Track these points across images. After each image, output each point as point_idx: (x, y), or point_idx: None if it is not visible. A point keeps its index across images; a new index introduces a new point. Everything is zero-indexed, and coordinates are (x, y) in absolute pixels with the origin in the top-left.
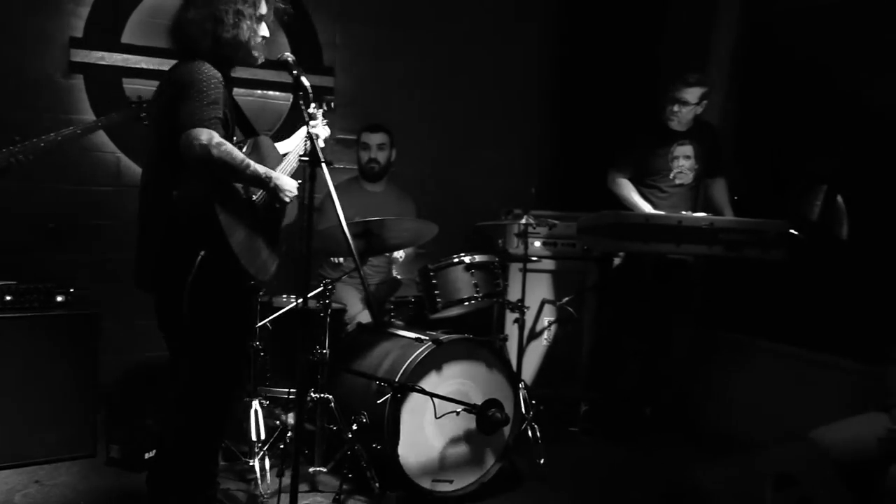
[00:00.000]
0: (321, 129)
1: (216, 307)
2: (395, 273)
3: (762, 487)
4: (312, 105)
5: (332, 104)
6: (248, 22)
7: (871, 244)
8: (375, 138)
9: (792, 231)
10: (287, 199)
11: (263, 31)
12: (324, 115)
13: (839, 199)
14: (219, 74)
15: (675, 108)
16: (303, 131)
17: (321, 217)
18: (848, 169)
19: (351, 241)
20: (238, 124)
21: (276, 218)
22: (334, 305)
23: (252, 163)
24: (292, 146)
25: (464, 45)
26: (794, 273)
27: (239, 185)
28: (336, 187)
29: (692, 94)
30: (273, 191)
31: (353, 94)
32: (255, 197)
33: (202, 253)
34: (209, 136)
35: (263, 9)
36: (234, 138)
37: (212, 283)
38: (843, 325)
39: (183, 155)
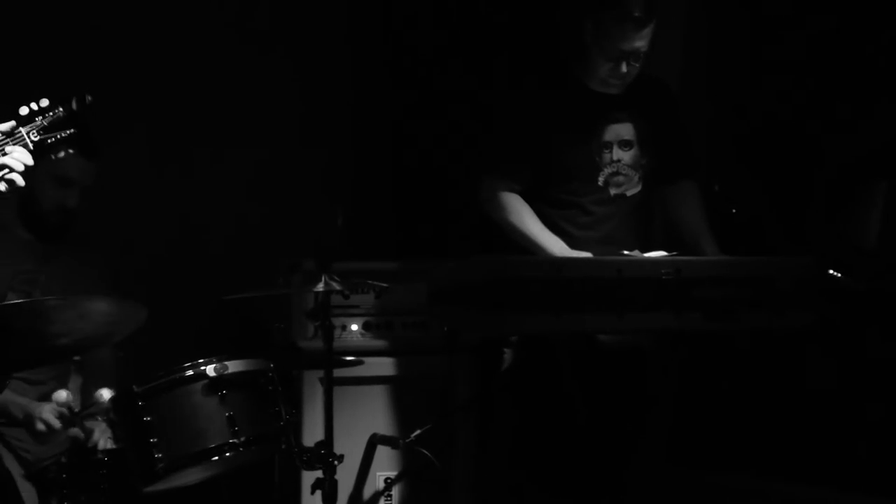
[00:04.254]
0: (17, 155)
1: None
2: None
3: None
4: (36, 113)
5: (88, 100)
6: None
7: None
8: (89, 170)
9: (830, 272)
10: None
11: None
12: (55, 126)
13: None
14: None
15: (623, 68)
16: None
17: None
18: None
19: None
20: None
21: None
22: None
23: None
24: None
25: None
26: (842, 351)
27: None
28: None
29: (645, 36)
30: None
31: None
32: None
33: None
34: None
35: None
36: None
37: None
38: None
39: None
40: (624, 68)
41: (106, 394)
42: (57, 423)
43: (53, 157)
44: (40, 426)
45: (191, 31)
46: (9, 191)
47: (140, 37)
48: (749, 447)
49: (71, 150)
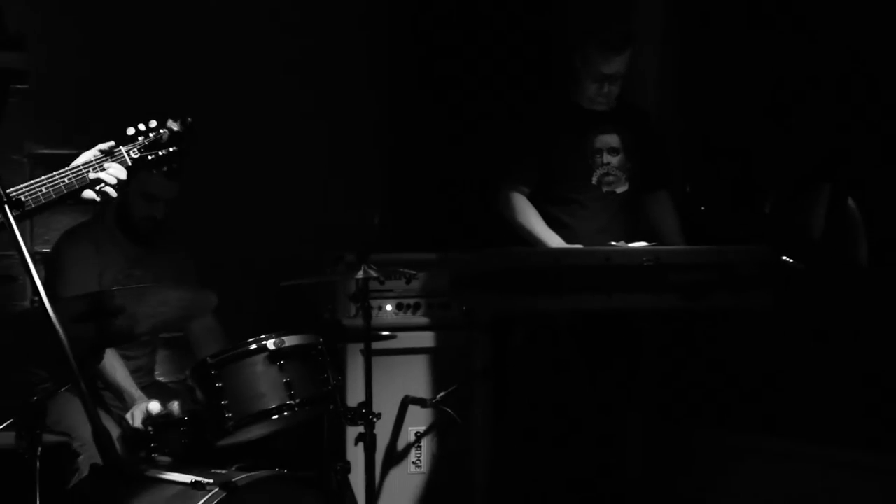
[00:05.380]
0: (113, 171)
1: None
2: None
3: None
4: (141, 133)
5: (189, 122)
6: None
7: None
8: (170, 189)
9: (784, 258)
10: None
11: None
12: (157, 145)
13: (851, 203)
14: None
15: (605, 88)
16: (88, 155)
17: (61, 276)
18: (862, 155)
19: (60, 331)
20: None
21: None
22: (48, 438)
23: None
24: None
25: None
26: (792, 326)
27: None
28: (70, 236)
29: (622, 61)
30: None
31: (64, 80)
32: None
33: None
34: None
35: None
36: None
37: None
38: (871, 402)
39: None
40: (606, 88)
41: (177, 407)
42: (138, 424)
43: (142, 176)
44: (129, 417)
45: (243, 51)
46: (103, 201)
47: (206, 63)
48: (732, 404)
49: (155, 171)
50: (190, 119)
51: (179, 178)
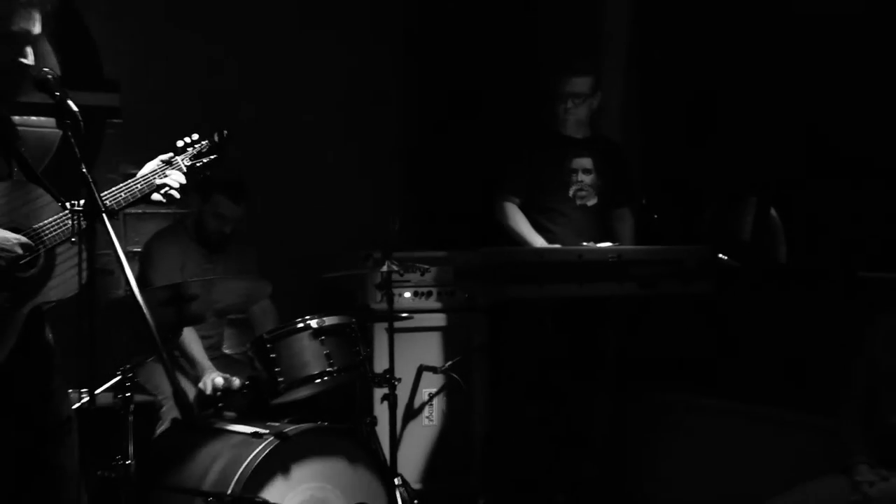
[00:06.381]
0: (174, 177)
1: None
2: (226, 350)
3: None
4: (188, 145)
5: (225, 134)
6: None
7: (813, 265)
8: (236, 211)
9: (720, 256)
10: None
11: (22, 54)
12: (201, 154)
13: (773, 212)
14: None
15: (568, 104)
16: (153, 165)
17: (151, 269)
18: (781, 175)
19: (147, 314)
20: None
21: (12, 299)
22: (139, 398)
23: None
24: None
25: (293, 48)
26: (726, 309)
27: None
28: (159, 237)
29: (583, 83)
30: None
31: (148, 115)
32: None
33: None
34: None
35: (21, 24)
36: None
37: None
38: (789, 369)
39: None
40: (569, 104)
41: (237, 381)
42: (208, 392)
43: (215, 199)
44: (201, 385)
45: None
46: (168, 202)
47: (259, 79)
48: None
49: (224, 196)
50: (226, 131)
51: (245, 202)
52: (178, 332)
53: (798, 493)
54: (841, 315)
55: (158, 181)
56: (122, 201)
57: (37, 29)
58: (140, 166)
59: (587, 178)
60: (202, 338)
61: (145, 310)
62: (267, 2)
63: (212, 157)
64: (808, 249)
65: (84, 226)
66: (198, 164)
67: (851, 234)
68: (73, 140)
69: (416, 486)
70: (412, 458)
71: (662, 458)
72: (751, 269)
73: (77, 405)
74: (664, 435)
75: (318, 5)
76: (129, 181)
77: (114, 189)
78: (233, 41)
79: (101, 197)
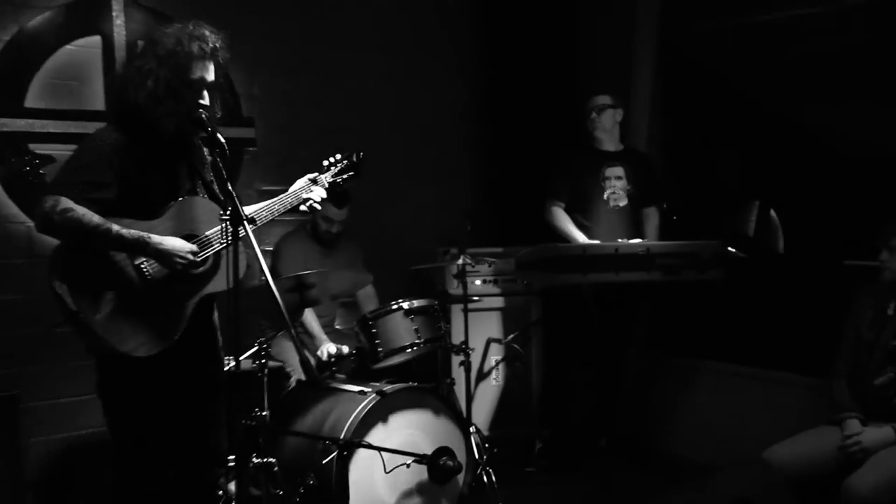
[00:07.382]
0: (318, 192)
1: (101, 385)
2: (338, 326)
3: None
4: (332, 164)
5: (361, 155)
6: (162, 85)
7: (807, 256)
8: (340, 214)
9: (729, 249)
10: (179, 264)
11: (197, 97)
12: (342, 171)
13: (773, 213)
14: (112, 137)
15: (593, 115)
16: (302, 182)
17: (280, 263)
18: (777, 182)
19: (279, 298)
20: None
21: (188, 291)
22: (271, 364)
23: (116, 227)
24: (273, 202)
25: (381, 83)
26: (735, 291)
27: (121, 256)
28: (287, 238)
29: (603, 98)
30: (157, 255)
31: (275, 143)
32: (145, 268)
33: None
34: (54, 203)
35: (199, 73)
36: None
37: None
38: (788, 340)
39: None
40: (593, 115)
41: (346, 349)
42: (325, 358)
43: (323, 206)
44: (319, 352)
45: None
46: (311, 211)
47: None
48: (693, 340)
49: (330, 203)
50: (362, 153)
51: (347, 206)
52: (301, 312)
53: (797, 440)
54: (829, 296)
55: (305, 195)
56: (275, 212)
57: (211, 76)
58: (270, 185)
59: (619, 185)
60: (319, 317)
61: (277, 295)
62: (359, 54)
63: (350, 173)
64: (801, 243)
65: (231, 231)
66: (338, 181)
67: (837, 229)
68: (220, 164)
69: (486, 432)
70: (483, 411)
71: (682, 413)
72: (755, 260)
73: (226, 369)
74: (682, 394)
75: (400, 35)
76: (282, 196)
77: (269, 202)
78: (337, 84)
79: (241, 209)
